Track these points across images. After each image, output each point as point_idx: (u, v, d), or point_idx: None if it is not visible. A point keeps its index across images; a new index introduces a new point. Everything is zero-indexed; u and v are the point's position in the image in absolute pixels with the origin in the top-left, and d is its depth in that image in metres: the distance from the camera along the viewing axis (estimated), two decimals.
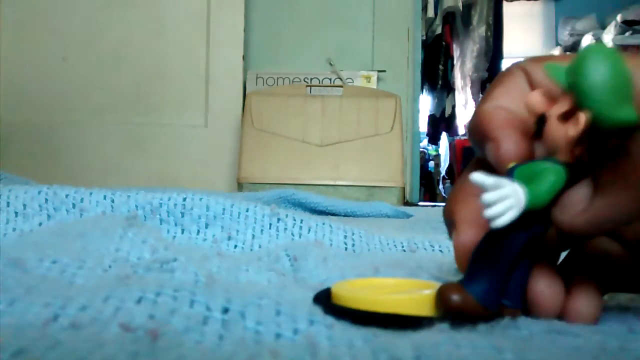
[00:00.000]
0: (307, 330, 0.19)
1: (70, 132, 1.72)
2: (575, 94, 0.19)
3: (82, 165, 1.71)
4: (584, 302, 0.22)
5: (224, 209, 0.43)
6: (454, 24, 3.23)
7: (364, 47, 1.87)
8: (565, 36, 3.55)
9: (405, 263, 0.34)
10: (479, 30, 3.19)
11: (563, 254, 0.25)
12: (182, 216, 0.43)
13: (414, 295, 0.21)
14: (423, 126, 3.22)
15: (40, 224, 0.41)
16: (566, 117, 0.20)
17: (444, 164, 3.56)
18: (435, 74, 3.26)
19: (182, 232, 0.42)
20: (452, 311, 0.20)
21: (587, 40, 3.17)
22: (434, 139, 3.53)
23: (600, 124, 0.19)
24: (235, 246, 0.41)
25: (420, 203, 2.06)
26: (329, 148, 1.57)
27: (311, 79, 1.81)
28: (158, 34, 1.75)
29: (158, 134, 1.74)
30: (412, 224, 0.68)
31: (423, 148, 3.46)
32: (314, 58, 1.86)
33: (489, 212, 0.19)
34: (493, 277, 0.21)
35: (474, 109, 0.24)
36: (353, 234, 0.44)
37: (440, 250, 0.42)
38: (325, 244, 0.42)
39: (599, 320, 0.23)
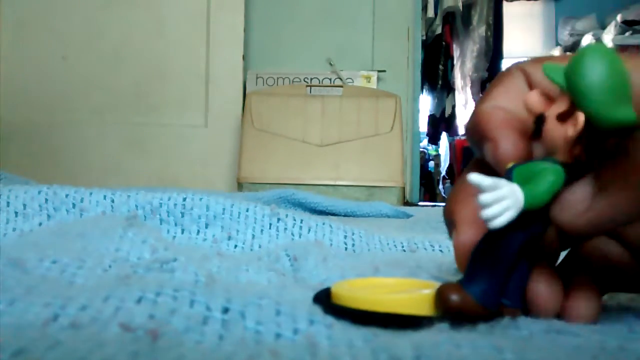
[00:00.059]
0: (307, 330, 0.19)
1: (70, 132, 1.72)
2: (573, 94, 0.19)
3: (82, 165, 1.71)
4: (583, 302, 0.22)
5: (224, 209, 0.43)
6: (454, 24, 3.23)
7: (363, 47, 1.87)
8: (565, 36, 3.55)
9: (405, 263, 0.34)
10: (479, 30, 3.19)
11: (563, 254, 0.25)
12: (182, 216, 0.43)
13: (413, 295, 0.21)
14: (423, 126, 3.22)
15: (40, 224, 0.41)
16: (564, 117, 0.20)
17: (444, 164, 3.56)
18: (435, 74, 3.26)
19: (182, 232, 0.42)
20: (451, 311, 0.20)
21: (587, 40, 3.17)
22: (434, 139, 3.53)
23: (598, 124, 0.19)
24: (235, 246, 0.41)
25: (420, 203, 2.06)
26: (329, 148, 1.57)
27: (311, 79, 1.81)
28: (158, 34, 1.75)
29: (158, 134, 1.74)
30: (412, 224, 0.68)
31: (423, 148, 3.46)
32: (314, 58, 1.86)
33: (486, 213, 0.19)
34: (492, 277, 0.21)
35: (473, 108, 0.24)
36: (353, 234, 0.44)
37: (440, 250, 0.42)
38: (325, 244, 0.42)
39: (599, 320, 0.23)
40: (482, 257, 0.21)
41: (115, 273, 0.27)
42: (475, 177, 0.19)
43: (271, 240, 0.42)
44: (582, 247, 0.23)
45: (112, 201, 0.43)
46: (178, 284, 0.21)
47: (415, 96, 1.92)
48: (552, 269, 0.23)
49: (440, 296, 0.20)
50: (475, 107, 0.23)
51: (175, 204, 0.43)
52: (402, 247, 0.43)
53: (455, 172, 3.38)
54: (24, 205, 0.41)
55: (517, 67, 0.24)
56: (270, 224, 0.43)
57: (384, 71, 1.85)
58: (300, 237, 0.43)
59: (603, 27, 3.18)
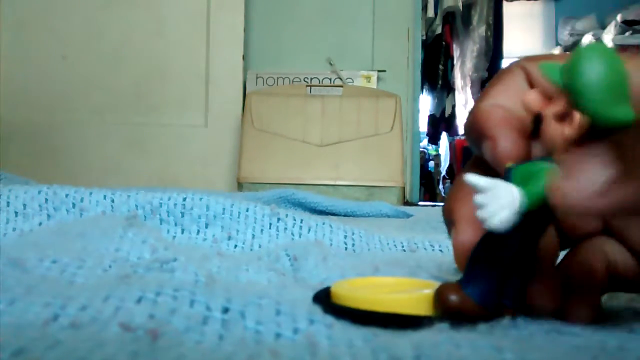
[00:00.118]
0: (307, 330, 0.19)
1: (70, 132, 1.72)
2: (571, 93, 0.19)
3: (82, 165, 1.71)
4: (582, 302, 0.22)
5: (224, 209, 0.43)
6: (454, 23, 3.23)
7: (363, 46, 1.87)
8: (565, 36, 3.55)
9: (405, 262, 0.34)
10: (479, 30, 3.19)
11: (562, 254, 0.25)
12: (182, 216, 0.43)
13: (413, 295, 0.21)
14: (423, 126, 3.22)
15: (40, 224, 0.41)
16: (562, 116, 0.20)
17: (444, 164, 3.56)
18: (435, 73, 3.26)
19: (182, 232, 0.42)
20: (450, 311, 0.20)
21: (587, 40, 3.17)
22: (434, 139, 3.53)
23: (596, 123, 0.19)
24: (235, 246, 0.41)
25: (420, 203, 2.06)
26: (329, 148, 1.57)
27: (311, 79, 1.81)
28: (158, 34, 1.75)
29: (158, 134, 1.74)
30: (412, 224, 0.68)
31: (423, 148, 3.46)
32: (313, 58, 1.86)
33: (482, 214, 0.19)
34: (491, 278, 0.21)
35: (472, 106, 0.24)
36: (353, 233, 0.44)
37: (440, 250, 0.42)
38: (325, 243, 0.42)
39: (599, 320, 0.23)
40: (482, 257, 0.21)
41: (115, 273, 0.27)
42: (471, 178, 0.19)
43: (271, 240, 0.42)
44: (582, 247, 0.23)
45: (112, 201, 0.43)
46: (178, 284, 0.21)
47: (415, 96, 1.92)
48: (551, 268, 0.23)
49: (439, 297, 0.20)
50: (475, 105, 0.23)
51: (175, 204, 0.43)
52: (402, 246, 0.43)
53: (455, 172, 3.38)
54: (24, 205, 0.41)
55: (518, 64, 0.23)
56: (270, 224, 0.43)
57: (384, 71, 1.85)
58: (300, 236, 0.43)
59: (603, 27, 3.18)
